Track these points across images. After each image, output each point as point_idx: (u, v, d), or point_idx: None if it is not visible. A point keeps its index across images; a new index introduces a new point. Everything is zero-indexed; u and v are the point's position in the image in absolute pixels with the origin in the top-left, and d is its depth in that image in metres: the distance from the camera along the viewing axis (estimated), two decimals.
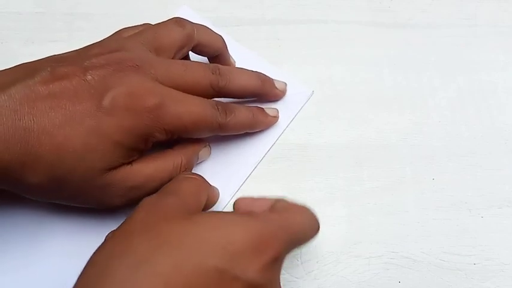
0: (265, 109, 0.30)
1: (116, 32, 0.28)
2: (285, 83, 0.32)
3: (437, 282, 0.28)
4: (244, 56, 0.33)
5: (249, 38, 0.35)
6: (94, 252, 0.20)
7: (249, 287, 0.19)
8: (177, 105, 0.25)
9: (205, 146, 0.29)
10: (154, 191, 0.24)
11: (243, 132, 0.30)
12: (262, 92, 0.31)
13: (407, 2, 0.38)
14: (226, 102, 0.28)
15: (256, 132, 0.31)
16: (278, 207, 0.23)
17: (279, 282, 0.21)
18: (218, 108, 0.27)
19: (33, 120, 0.21)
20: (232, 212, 0.23)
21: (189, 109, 0.25)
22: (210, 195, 0.25)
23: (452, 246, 0.29)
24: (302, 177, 0.30)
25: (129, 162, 0.25)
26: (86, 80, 0.23)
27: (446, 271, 0.28)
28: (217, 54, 0.31)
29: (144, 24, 0.29)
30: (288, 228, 0.21)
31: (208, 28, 0.30)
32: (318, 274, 0.28)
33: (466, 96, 0.34)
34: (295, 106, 0.32)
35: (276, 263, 0.20)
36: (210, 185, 0.26)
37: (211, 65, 0.28)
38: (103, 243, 0.20)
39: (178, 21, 0.28)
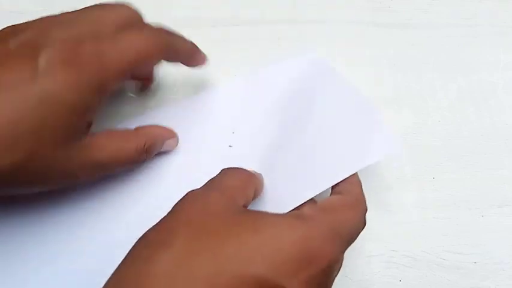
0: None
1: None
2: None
3: (437, 281, 0.28)
4: (343, 93, 0.29)
5: (249, 38, 0.35)
6: (137, 241, 0.19)
7: None
8: (118, 43, 0.22)
9: (173, 137, 0.28)
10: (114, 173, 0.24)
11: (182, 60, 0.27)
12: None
13: (407, 2, 0.38)
14: None
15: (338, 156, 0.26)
16: (327, 204, 0.22)
17: None
18: (162, 33, 0.25)
19: None
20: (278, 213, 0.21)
21: (132, 43, 0.23)
22: (256, 188, 0.23)
23: (453, 245, 0.29)
24: None
25: (90, 135, 0.23)
26: (9, 49, 0.20)
27: (447, 270, 0.28)
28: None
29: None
30: (339, 229, 0.20)
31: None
32: None
33: (466, 96, 0.34)
34: (373, 156, 0.26)
35: (324, 272, 0.18)
36: (257, 177, 0.24)
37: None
38: (145, 233, 0.19)
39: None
